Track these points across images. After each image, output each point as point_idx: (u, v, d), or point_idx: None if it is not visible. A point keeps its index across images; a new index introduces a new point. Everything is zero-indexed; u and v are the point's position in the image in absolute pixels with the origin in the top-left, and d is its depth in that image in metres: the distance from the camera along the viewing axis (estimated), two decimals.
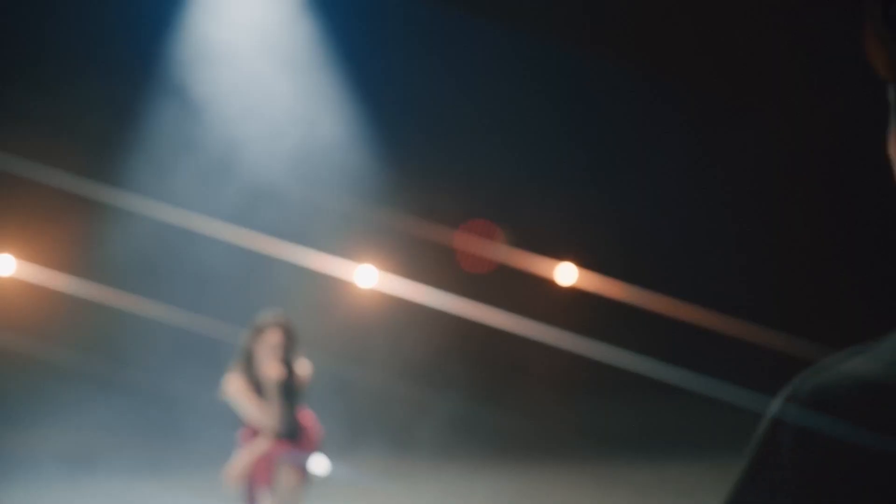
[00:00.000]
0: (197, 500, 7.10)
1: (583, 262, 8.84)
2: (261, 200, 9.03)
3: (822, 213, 10.00)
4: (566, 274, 8.81)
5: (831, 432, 0.77)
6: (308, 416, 5.05)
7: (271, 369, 4.83)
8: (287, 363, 4.89)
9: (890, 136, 0.84)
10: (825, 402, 0.79)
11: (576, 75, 9.28)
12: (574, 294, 8.88)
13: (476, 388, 9.32)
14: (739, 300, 8.87)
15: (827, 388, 0.79)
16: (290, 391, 4.87)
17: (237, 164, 9.03)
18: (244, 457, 4.85)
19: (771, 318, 8.42)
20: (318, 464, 4.95)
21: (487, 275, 9.09)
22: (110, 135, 8.81)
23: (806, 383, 0.81)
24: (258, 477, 4.78)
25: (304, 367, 4.98)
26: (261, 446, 4.83)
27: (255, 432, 4.91)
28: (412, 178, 9.42)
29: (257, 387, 4.90)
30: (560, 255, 8.84)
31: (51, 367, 8.44)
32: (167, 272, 8.81)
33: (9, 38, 8.41)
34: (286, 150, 9.09)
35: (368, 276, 8.07)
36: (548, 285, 8.82)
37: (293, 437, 4.89)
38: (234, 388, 4.86)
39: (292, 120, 9.05)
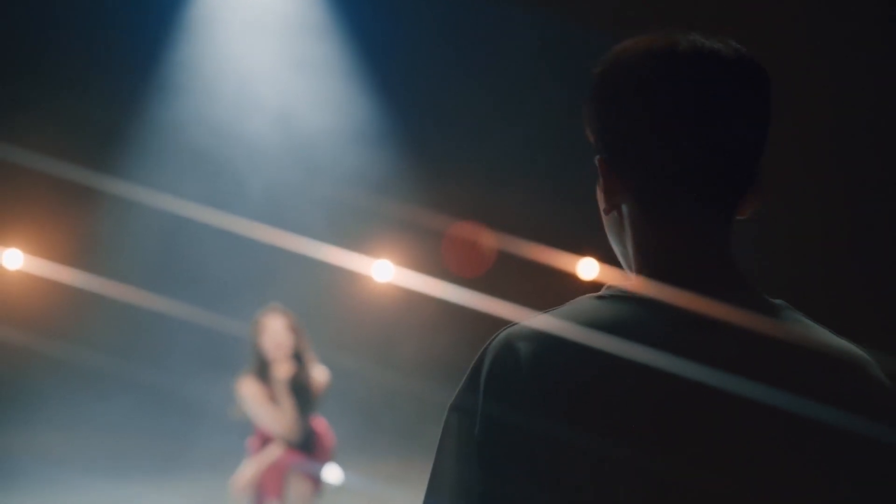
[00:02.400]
0: None
1: (604, 257, 8.65)
2: (274, 195, 8.86)
3: (829, 207, 9.79)
4: (587, 269, 8.63)
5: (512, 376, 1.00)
6: (321, 424, 4.82)
7: (280, 366, 4.59)
8: (299, 363, 4.64)
9: (597, 188, 1.11)
10: (509, 348, 1.02)
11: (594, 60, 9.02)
12: (594, 288, 8.67)
13: None
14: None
15: (512, 335, 1.03)
16: (303, 395, 4.62)
17: (250, 158, 8.86)
18: (253, 466, 4.61)
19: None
20: (331, 473, 4.72)
21: (506, 269, 8.87)
22: (120, 128, 8.65)
23: (500, 333, 1.05)
24: (268, 487, 4.53)
25: (321, 374, 4.73)
26: (271, 455, 4.60)
27: (265, 440, 4.67)
28: (427, 170, 9.21)
29: (271, 387, 4.66)
30: (581, 249, 8.63)
31: (58, 363, 8.29)
32: (178, 267, 8.67)
33: (13, 31, 8.26)
34: (299, 144, 8.91)
35: (385, 271, 7.86)
36: (570, 280, 8.61)
37: (305, 445, 4.66)
38: (246, 391, 4.63)
39: (303, 113, 8.85)
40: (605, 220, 1.16)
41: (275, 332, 4.60)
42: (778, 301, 1.11)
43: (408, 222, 9.13)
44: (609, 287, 1.11)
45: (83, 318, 8.56)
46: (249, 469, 4.60)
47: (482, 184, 8.97)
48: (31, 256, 7.47)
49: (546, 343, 1.02)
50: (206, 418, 8.12)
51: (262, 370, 4.63)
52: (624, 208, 1.12)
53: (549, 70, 8.38)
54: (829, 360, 1.05)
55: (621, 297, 1.07)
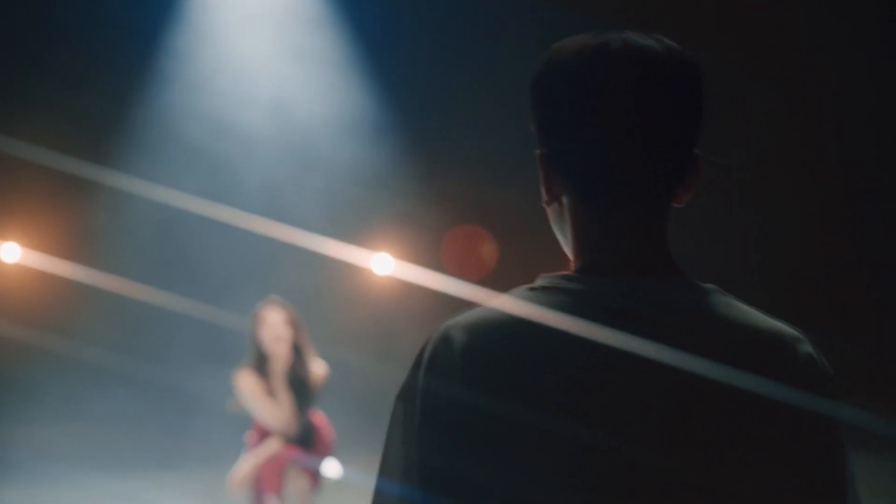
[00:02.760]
0: (206, 501, 6.84)
1: None
2: (273, 187, 8.79)
3: (835, 204, 9.73)
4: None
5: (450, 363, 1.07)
6: (320, 418, 4.75)
7: (278, 361, 4.52)
8: (297, 356, 4.57)
9: (541, 188, 1.15)
10: (448, 338, 1.09)
11: None
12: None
13: None
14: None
15: (449, 327, 1.10)
16: (301, 389, 4.54)
17: (248, 151, 8.79)
18: (250, 461, 4.55)
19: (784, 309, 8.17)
20: (331, 468, 4.65)
21: (508, 262, 8.81)
22: (117, 120, 8.58)
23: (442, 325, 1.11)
24: (266, 483, 4.46)
25: (319, 367, 4.65)
26: (269, 449, 4.53)
27: (263, 434, 4.60)
28: (427, 163, 9.14)
29: (270, 381, 4.59)
30: None
31: (55, 356, 8.23)
32: (176, 260, 8.59)
33: (10, 25, 8.19)
34: (298, 136, 8.84)
35: (384, 264, 7.80)
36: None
37: (304, 439, 4.59)
38: (244, 384, 4.55)
39: (302, 105, 8.78)
40: (548, 211, 1.21)
41: (273, 326, 4.53)
42: (709, 285, 1.15)
43: (408, 215, 9.06)
44: (542, 277, 1.15)
45: (80, 312, 8.50)
46: (247, 464, 4.53)
47: (483, 177, 8.91)
48: (27, 249, 7.39)
49: (479, 333, 1.08)
50: (204, 412, 8.05)
51: (261, 364, 4.56)
52: (564, 200, 1.16)
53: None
54: (758, 337, 1.10)
55: (552, 288, 1.11)
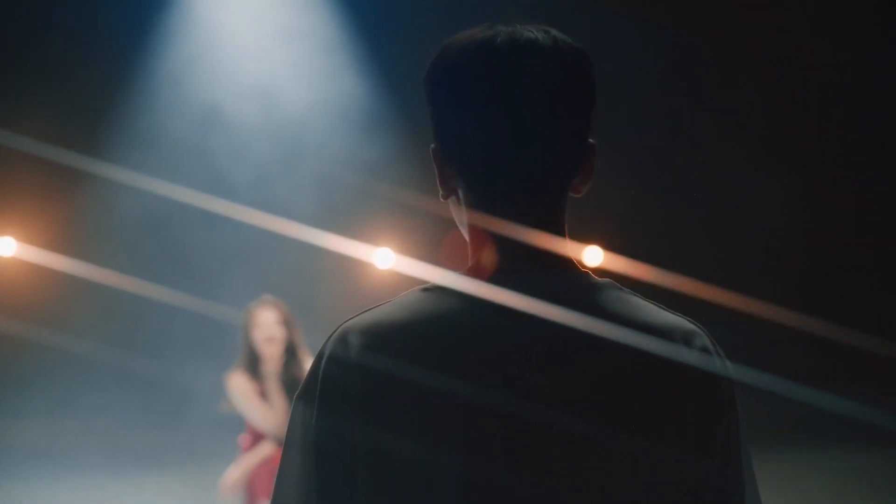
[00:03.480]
0: (199, 502, 6.69)
1: (608, 245, 8.49)
2: (266, 178, 8.65)
3: (850, 193, 9.60)
4: (591, 256, 8.50)
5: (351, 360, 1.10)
6: None
7: (270, 362, 4.35)
8: (290, 355, 4.40)
9: (437, 182, 1.17)
10: (346, 335, 1.12)
11: (607, 38, 8.79)
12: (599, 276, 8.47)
13: None
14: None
15: (345, 329, 1.13)
16: (294, 387, 4.40)
17: (242, 140, 8.65)
18: (243, 465, 4.41)
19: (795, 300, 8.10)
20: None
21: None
22: (110, 112, 8.44)
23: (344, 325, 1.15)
24: (259, 487, 4.31)
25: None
26: (262, 453, 4.39)
27: (257, 437, 4.44)
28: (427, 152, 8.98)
29: (262, 383, 4.43)
30: (588, 238, 8.46)
31: (50, 351, 8.11)
32: (172, 254, 8.47)
33: (5, 15, 8.07)
34: (295, 126, 8.69)
35: (386, 259, 7.68)
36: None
37: None
38: (235, 386, 4.39)
39: (299, 94, 8.62)
40: (449, 206, 1.22)
41: (265, 326, 4.36)
42: (603, 280, 1.16)
43: (407, 205, 8.92)
44: (436, 278, 1.16)
45: (75, 306, 8.39)
46: (239, 468, 4.39)
47: None
48: (23, 244, 7.28)
49: (374, 334, 1.11)
50: (199, 409, 7.94)
51: (252, 364, 4.39)
52: (460, 194, 1.17)
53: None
54: (652, 330, 1.11)
55: (444, 288, 1.13)
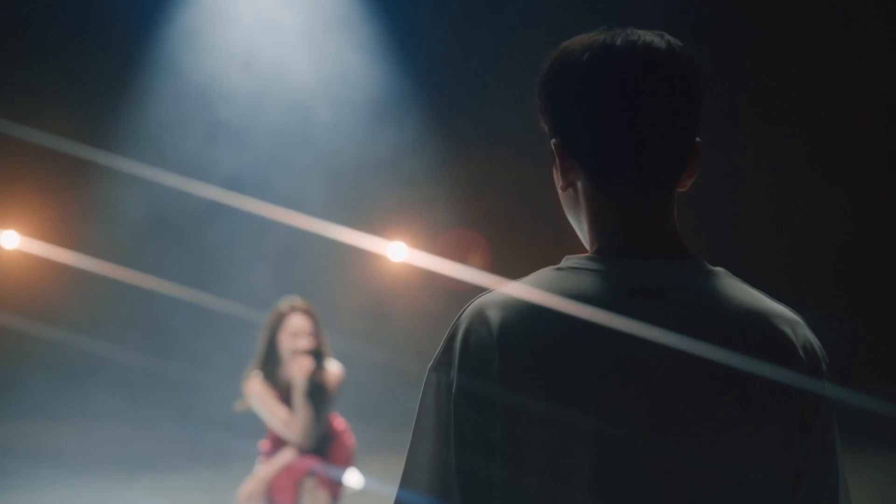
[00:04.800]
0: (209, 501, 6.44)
1: None
2: (285, 172, 8.43)
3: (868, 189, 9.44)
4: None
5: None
6: (340, 422, 4.33)
7: (298, 368, 4.10)
8: (316, 360, 4.15)
9: (553, 169, 1.29)
10: (484, 310, 1.19)
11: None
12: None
13: None
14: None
15: (483, 304, 1.20)
16: (319, 395, 4.12)
17: (259, 134, 8.43)
18: (263, 473, 4.14)
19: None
20: (352, 478, 4.23)
21: (526, 246, 8.46)
22: (116, 104, 8.23)
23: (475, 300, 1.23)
24: (279, 496, 4.06)
25: (335, 368, 4.24)
26: (283, 460, 4.13)
27: (277, 442, 4.20)
28: (449, 145, 8.77)
29: (281, 388, 4.18)
30: None
31: (55, 346, 7.91)
32: (181, 247, 8.27)
33: (5, 7, 7.88)
34: (313, 122, 8.45)
35: (400, 252, 7.48)
36: None
37: (322, 446, 4.18)
38: (255, 391, 4.14)
39: (311, 83, 8.38)
40: (562, 197, 1.30)
41: (298, 335, 4.12)
42: (718, 268, 1.25)
43: (424, 200, 8.72)
44: (567, 258, 1.24)
45: (78, 301, 8.21)
46: (259, 476, 4.13)
47: (504, 158, 8.53)
48: (26, 237, 7.10)
49: (513, 311, 1.18)
50: (206, 408, 7.74)
51: (272, 367, 4.16)
52: (578, 185, 1.25)
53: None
54: (763, 318, 1.20)
55: (577, 269, 1.21)
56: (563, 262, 1.24)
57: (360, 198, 8.57)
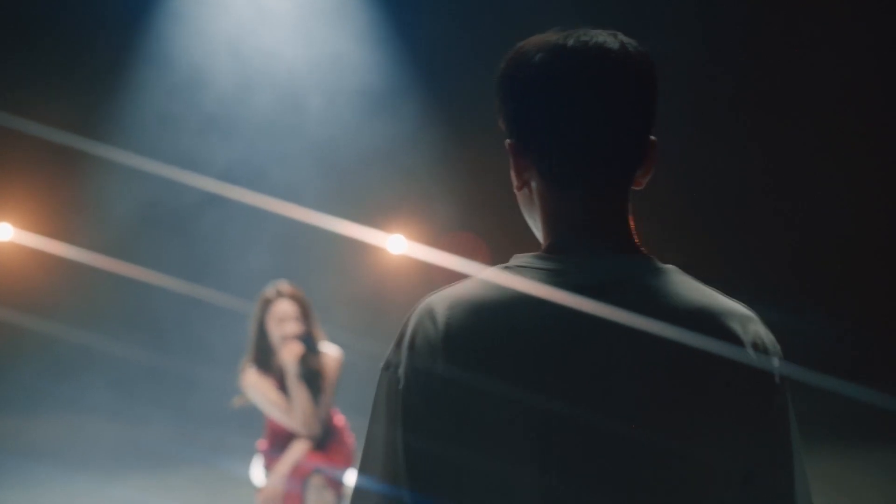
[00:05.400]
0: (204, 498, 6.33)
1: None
2: (284, 164, 8.33)
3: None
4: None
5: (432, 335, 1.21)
6: (340, 419, 4.19)
7: (287, 352, 3.96)
8: (309, 347, 4.02)
9: (511, 171, 1.30)
10: (432, 310, 1.22)
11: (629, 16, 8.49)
12: None
13: None
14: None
15: (431, 303, 1.24)
16: (314, 379, 3.99)
17: (259, 125, 8.32)
18: (278, 475, 3.97)
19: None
20: (352, 478, 4.10)
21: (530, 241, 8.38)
22: (111, 96, 8.11)
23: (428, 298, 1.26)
24: (286, 499, 3.94)
25: (333, 352, 4.10)
26: (295, 455, 3.97)
27: (275, 441, 4.06)
28: (449, 134, 8.66)
29: (278, 377, 4.04)
30: None
31: (49, 339, 7.81)
32: (177, 239, 8.18)
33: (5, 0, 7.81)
34: (312, 113, 8.34)
35: (399, 244, 7.39)
36: None
37: (323, 443, 4.07)
38: (254, 384, 4.00)
39: (309, 74, 8.27)
40: (518, 196, 1.31)
41: (285, 321, 3.99)
42: (668, 265, 1.26)
43: (423, 193, 8.62)
44: (516, 257, 1.26)
45: (72, 294, 8.12)
46: (276, 480, 3.98)
47: (504, 150, 8.41)
48: (20, 230, 7.01)
49: (459, 309, 1.20)
50: (203, 402, 7.65)
51: (265, 357, 4.04)
52: (532, 185, 1.27)
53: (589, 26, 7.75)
54: (711, 313, 1.21)
55: (524, 267, 1.23)
56: (512, 261, 1.26)
57: (360, 190, 8.47)
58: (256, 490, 4.07)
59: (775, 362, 1.23)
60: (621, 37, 1.26)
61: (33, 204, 7.58)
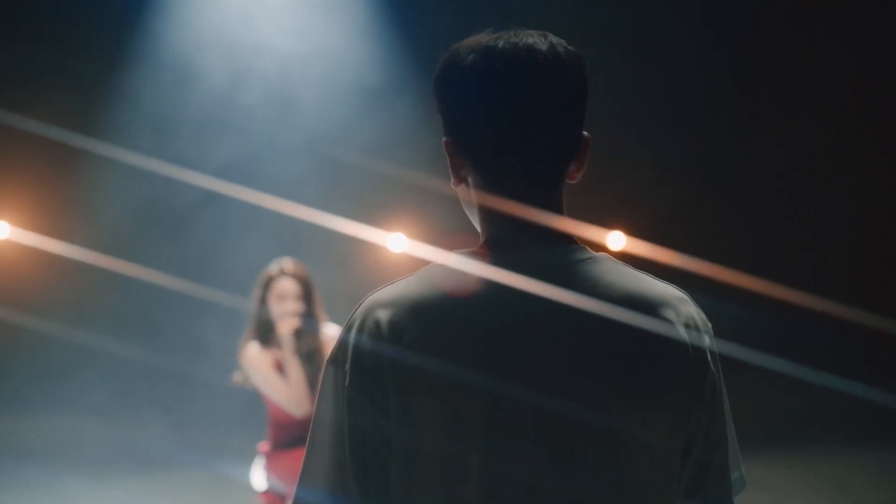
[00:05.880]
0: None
1: (630, 230, 8.22)
2: (282, 160, 8.26)
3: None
4: (615, 241, 8.28)
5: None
6: None
7: (283, 325, 3.90)
8: (309, 327, 3.95)
9: (449, 171, 1.36)
10: (373, 310, 1.28)
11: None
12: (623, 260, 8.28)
13: None
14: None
15: (373, 301, 1.29)
16: (313, 359, 3.93)
17: (256, 121, 8.25)
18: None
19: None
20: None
21: None
22: (108, 92, 8.04)
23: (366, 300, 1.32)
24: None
25: (335, 332, 4.00)
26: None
27: (277, 442, 3.96)
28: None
29: (277, 355, 3.97)
30: (610, 223, 8.18)
31: (46, 338, 7.75)
32: (175, 237, 8.12)
33: None
34: (309, 108, 8.26)
35: (399, 242, 7.35)
36: (600, 251, 8.10)
37: None
38: (252, 358, 3.92)
39: (305, 65, 8.19)
40: (457, 192, 1.37)
41: (286, 300, 3.93)
42: (600, 254, 1.33)
43: (422, 189, 8.56)
44: (455, 253, 1.31)
45: (69, 292, 8.07)
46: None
47: None
48: (15, 227, 6.95)
49: (400, 306, 1.27)
50: (200, 402, 7.59)
51: (265, 333, 3.97)
52: (469, 180, 1.34)
53: (590, 23, 7.69)
54: (642, 296, 1.29)
55: (464, 261, 1.29)
56: (451, 256, 1.32)
57: (360, 187, 8.40)
58: (255, 494, 3.99)
59: (706, 339, 1.31)
60: (551, 37, 1.31)
61: (29, 201, 7.53)
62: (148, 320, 8.17)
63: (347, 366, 1.26)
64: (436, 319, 1.25)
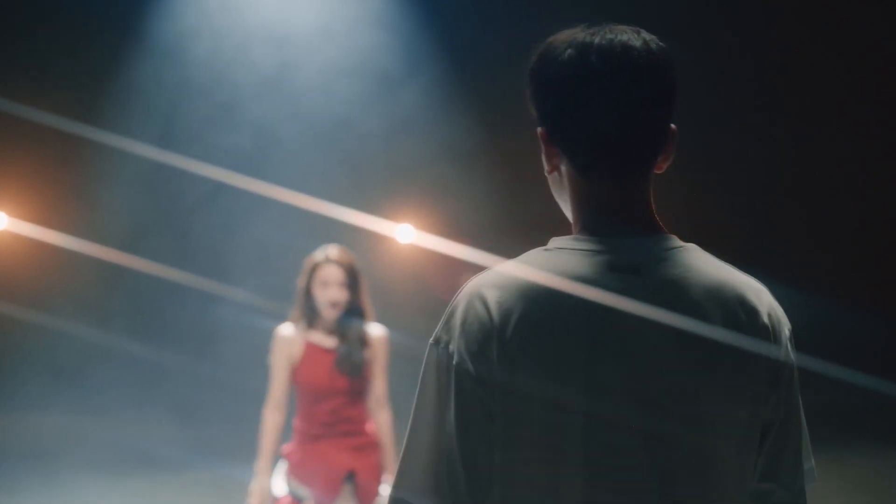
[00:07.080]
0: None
1: None
2: (291, 153, 8.12)
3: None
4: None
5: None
6: (370, 427, 3.95)
7: (327, 310, 3.85)
8: (353, 311, 3.89)
9: (541, 156, 1.43)
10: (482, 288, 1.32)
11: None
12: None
13: None
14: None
15: (480, 283, 1.33)
16: (354, 348, 3.86)
17: (263, 113, 8.11)
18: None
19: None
20: (385, 489, 3.86)
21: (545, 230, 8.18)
22: (108, 82, 7.91)
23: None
24: (319, 485, 3.75)
25: (377, 331, 3.96)
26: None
27: (303, 446, 3.82)
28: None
29: (318, 337, 3.90)
30: None
31: (44, 330, 7.64)
32: (176, 228, 8.02)
33: None
34: (318, 101, 8.11)
35: (407, 234, 7.23)
36: None
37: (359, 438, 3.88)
38: (278, 343, 3.87)
39: (317, 56, 8.04)
40: (549, 179, 1.46)
41: (330, 287, 3.86)
42: (689, 244, 1.40)
43: (432, 182, 8.43)
44: (554, 240, 1.39)
45: (68, 284, 7.97)
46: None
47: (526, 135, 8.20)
48: (13, 218, 6.86)
49: (507, 289, 1.31)
50: (207, 398, 7.46)
51: (311, 316, 3.91)
52: (562, 169, 1.41)
53: (600, 19, 7.50)
54: (730, 286, 1.35)
55: (563, 249, 1.36)
56: (550, 244, 1.38)
57: (368, 178, 8.31)
58: (274, 499, 3.85)
59: (785, 329, 1.38)
60: (644, 34, 1.38)
61: (29, 192, 7.42)
62: (151, 314, 8.06)
63: (453, 346, 1.30)
64: (542, 301, 1.29)
